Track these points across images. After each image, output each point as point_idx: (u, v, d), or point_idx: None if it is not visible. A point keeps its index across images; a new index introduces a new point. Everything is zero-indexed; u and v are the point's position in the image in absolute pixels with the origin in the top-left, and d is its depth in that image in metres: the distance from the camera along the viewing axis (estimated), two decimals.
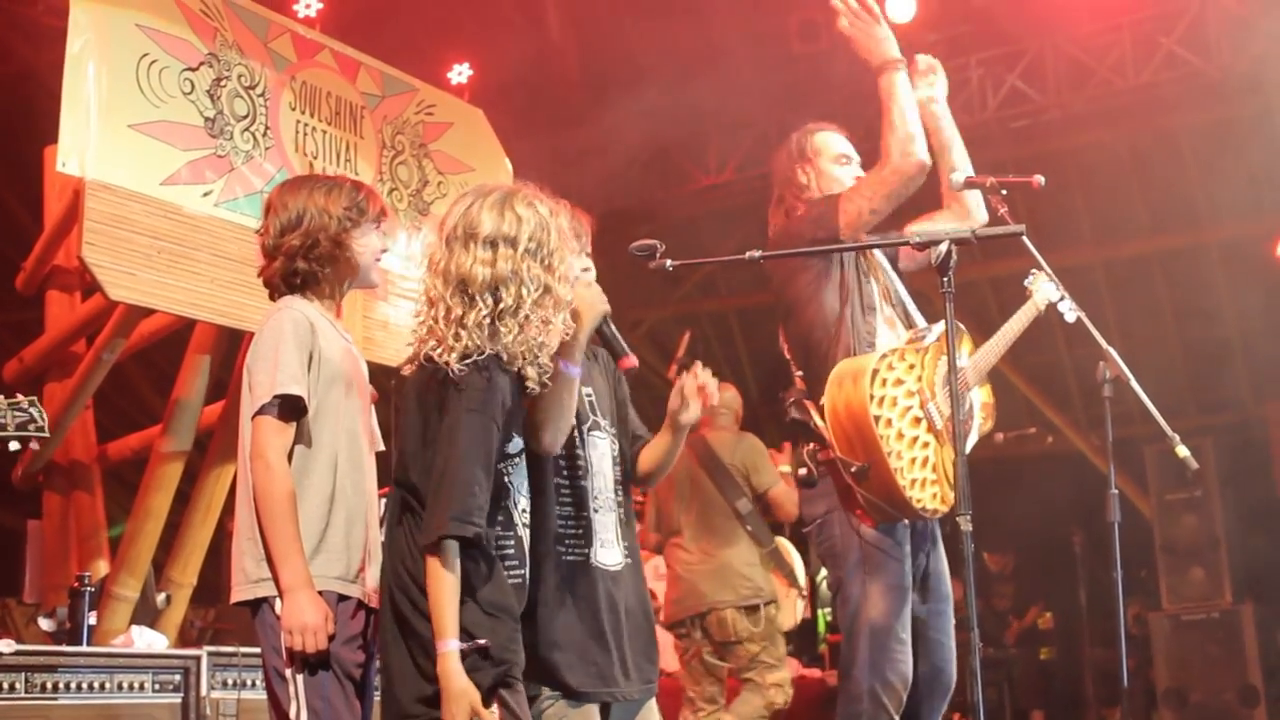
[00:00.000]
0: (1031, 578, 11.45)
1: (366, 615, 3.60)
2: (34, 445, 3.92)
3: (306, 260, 3.66)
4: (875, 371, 4.26)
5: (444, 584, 3.11)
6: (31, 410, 3.89)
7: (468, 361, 3.20)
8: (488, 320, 3.23)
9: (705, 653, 7.03)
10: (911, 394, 4.34)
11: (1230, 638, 9.52)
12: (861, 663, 4.29)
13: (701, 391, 3.58)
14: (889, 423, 4.25)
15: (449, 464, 3.14)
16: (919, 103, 4.63)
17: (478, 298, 3.24)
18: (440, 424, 3.20)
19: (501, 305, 3.24)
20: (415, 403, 3.29)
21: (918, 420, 4.35)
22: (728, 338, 13.52)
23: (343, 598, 3.53)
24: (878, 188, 4.40)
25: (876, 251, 4.67)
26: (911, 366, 4.37)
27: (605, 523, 3.51)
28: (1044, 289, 4.89)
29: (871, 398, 4.22)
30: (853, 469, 4.26)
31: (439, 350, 3.23)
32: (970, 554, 3.36)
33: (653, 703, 3.59)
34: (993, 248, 8.07)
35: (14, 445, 3.86)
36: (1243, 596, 9.74)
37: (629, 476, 3.70)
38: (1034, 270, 4.97)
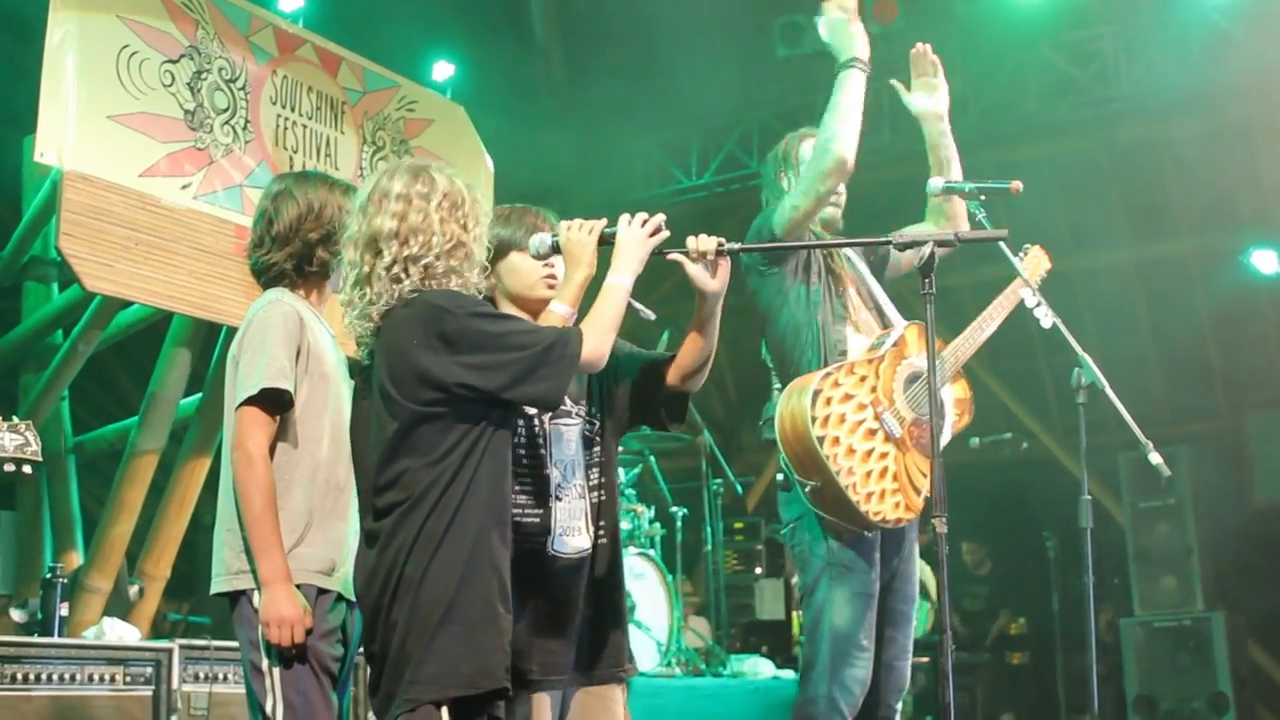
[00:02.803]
0: (1005, 582, 11.48)
1: (346, 609, 3.60)
2: (26, 470, 3.93)
3: (326, 250, 3.67)
4: (818, 392, 4.28)
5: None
6: (27, 434, 3.89)
7: (397, 303, 3.19)
8: (395, 267, 3.20)
9: None
10: (863, 407, 4.34)
11: (1201, 645, 9.55)
12: (821, 667, 4.33)
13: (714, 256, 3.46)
14: (835, 441, 4.26)
15: (518, 338, 3.15)
16: (922, 116, 4.69)
17: (384, 248, 3.22)
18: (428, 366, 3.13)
19: (408, 253, 3.21)
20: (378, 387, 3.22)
21: (871, 433, 4.35)
22: None
23: (322, 591, 3.53)
24: (799, 186, 4.43)
25: (853, 257, 4.68)
26: (863, 379, 4.37)
27: (572, 510, 3.49)
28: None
29: (814, 419, 4.24)
30: (806, 488, 4.30)
31: (366, 324, 3.22)
32: (945, 556, 3.37)
33: (612, 690, 3.54)
34: (972, 254, 8.08)
35: (9, 467, 3.86)
36: (1214, 605, 9.78)
37: (608, 456, 3.62)
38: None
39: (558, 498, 3.47)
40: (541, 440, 3.49)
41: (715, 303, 3.53)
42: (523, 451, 3.44)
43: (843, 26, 4.45)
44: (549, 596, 3.40)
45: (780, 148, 4.77)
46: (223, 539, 3.56)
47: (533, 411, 3.47)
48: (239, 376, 3.55)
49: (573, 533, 3.47)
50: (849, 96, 4.39)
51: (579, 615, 3.46)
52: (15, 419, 3.91)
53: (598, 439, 3.60)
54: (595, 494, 3.56)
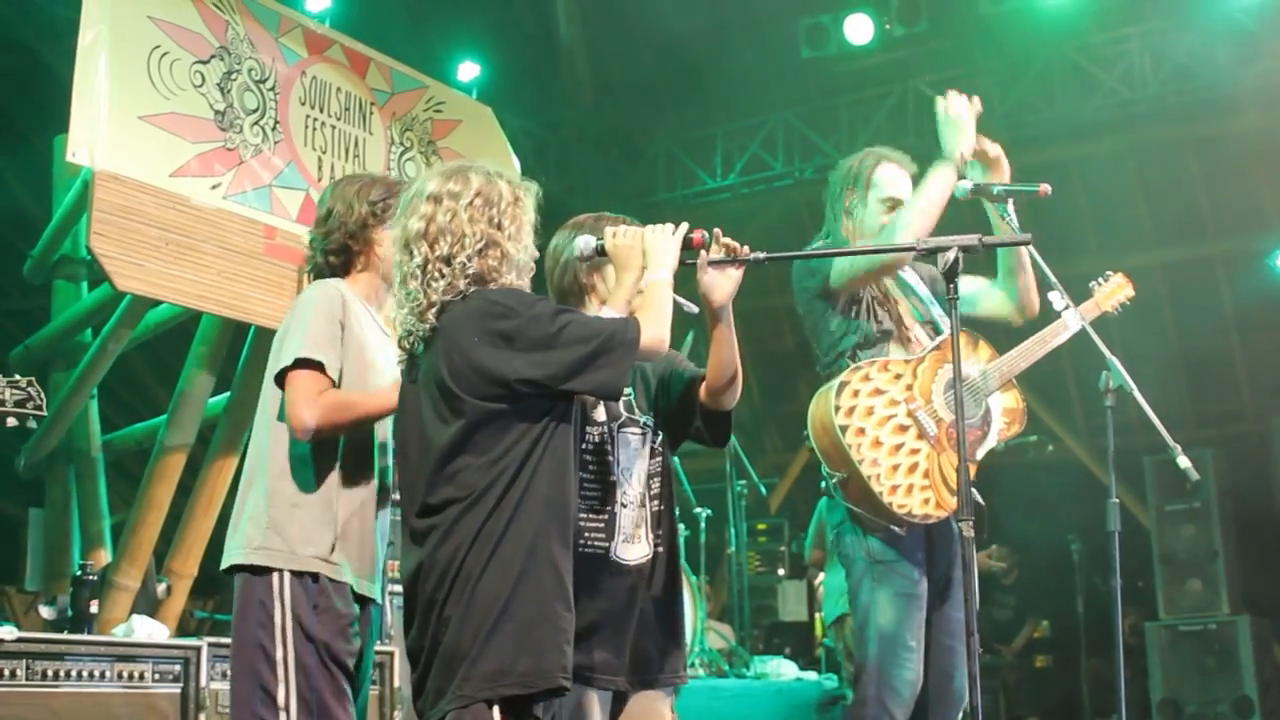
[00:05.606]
0: (1030, 585, 11.45)
1: (364, 607, 3.61)
2: (31, 424, 3.93)
3: (324, 254, 3.71)
4: (844, 383, 4.34)
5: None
6: (30, 390, 3.91)
7: (448, 300, 3.18)
8: (429, 267, 3.19)
9: None
10: (895, 403, 4.38)
11: (1226, 649, 9.52)
12: (870, 668, 4.36)
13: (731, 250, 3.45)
14: (860, 431, 4.31)
15: (577, 330, 3.14)
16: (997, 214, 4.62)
17: (414, 249, 3.22)
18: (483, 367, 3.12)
19: (438, 253, 3.20)
20: (430, 391, 3.20)
21: (903, 428, 4.38)
22: None
23: (334, 582, 3.52)
24: (862, 259, 4.43)
25: (906, 271, 4.70)
26: (898, 376, 4.41)
27: (634, 518, 3.52)
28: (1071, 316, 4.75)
29: (838, 409, 4.30)
30: (834, 480, 4.34)
31: (415, 321, 3.21)
32: (973, 560, 3.37)
33: (662, 696, 3.56)
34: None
35: (11, 421, 3.87)
36: (1240, 608, 9.74)
37: (667, 466, 3.65)
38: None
39: (622, 504, 3.50)
40: (610, 447, 3.52)
41: (720, 314, 3.53)
42: (590, 457, 3.47)
43: (956, 124, 4.55)
44: (610, 601, 3.43)
45: (853, 165, 4.74)
46: (248, 514, 3.55)
47: (602, 418, 3.50)
48: (280, 351, 3.58)
49: (634, 540, 3.51)
50: (935, 189, 4.44)
51: (636, 621, 3.48)
52: (17, 376, 3.93)
53: (657, 449, 3.63)
54: (655, 503, 3.58)
